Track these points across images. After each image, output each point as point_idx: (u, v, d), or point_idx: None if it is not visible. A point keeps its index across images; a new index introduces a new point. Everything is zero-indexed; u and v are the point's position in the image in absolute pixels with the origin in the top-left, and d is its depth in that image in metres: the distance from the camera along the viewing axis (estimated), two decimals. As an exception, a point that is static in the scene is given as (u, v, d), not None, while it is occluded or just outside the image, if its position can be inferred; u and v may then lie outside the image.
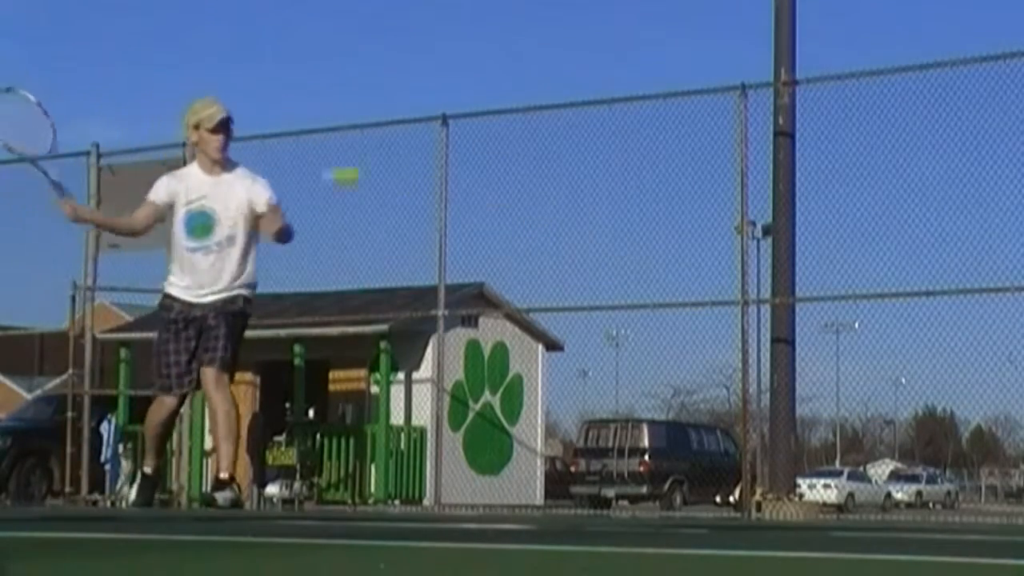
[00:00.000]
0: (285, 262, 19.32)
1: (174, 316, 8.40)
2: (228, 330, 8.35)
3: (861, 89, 17.09)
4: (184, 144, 19.99)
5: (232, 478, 8.36)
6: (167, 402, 8.55)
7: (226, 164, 8.45)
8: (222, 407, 8.33)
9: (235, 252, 8.36)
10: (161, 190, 8.43)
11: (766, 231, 20.94)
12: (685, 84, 32.08)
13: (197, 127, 8.36)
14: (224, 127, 8.38)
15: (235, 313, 8.41)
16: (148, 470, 8.73)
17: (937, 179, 17.14)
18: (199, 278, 8.34)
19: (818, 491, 32.38)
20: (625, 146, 18.60)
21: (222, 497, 8.30)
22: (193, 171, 8.48)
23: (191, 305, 8.35)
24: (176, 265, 8.42)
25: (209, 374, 8.33)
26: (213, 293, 8.36)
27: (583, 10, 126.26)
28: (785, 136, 17.73)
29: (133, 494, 8.85)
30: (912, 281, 16.77)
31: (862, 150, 17.65)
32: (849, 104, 17.22)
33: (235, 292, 8.38)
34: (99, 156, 20.47)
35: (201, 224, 8.31)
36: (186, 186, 8.37)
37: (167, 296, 8.46)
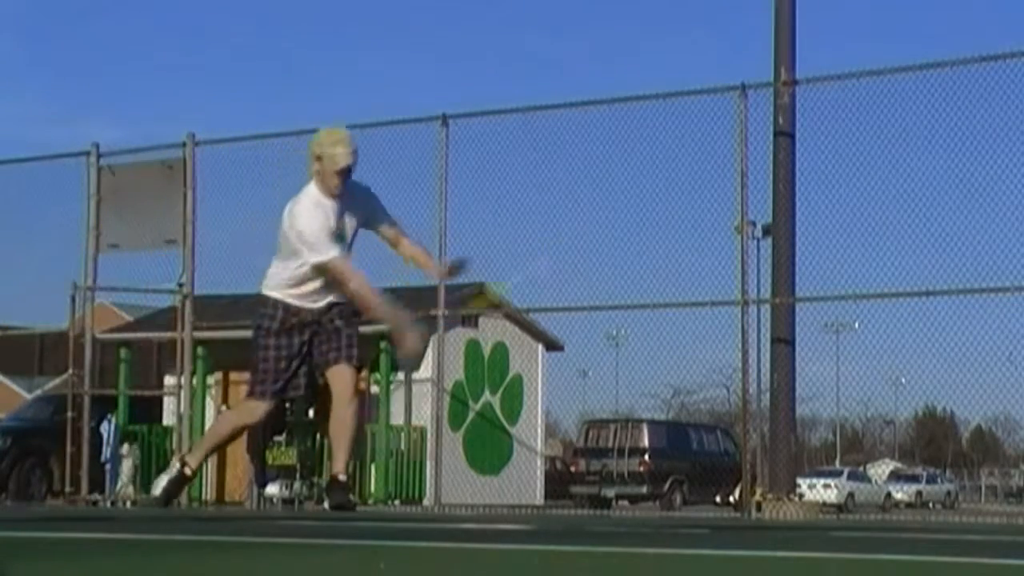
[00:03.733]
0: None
1: (279, 326, 8.23)
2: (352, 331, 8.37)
3: (861, 89, 17.12)
4: (183, 144, 20.19)
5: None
6: (262, 409, 8.32)
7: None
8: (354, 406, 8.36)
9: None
10: (330, 236, 8.17)
11: (766, 231, 20.94)
12: (685, 84, 32.06)
13: (320, 158, 8.19)
14: (346, 173, 8.24)
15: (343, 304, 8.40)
16: (190, 472, 8.34)
17: (937, 179, 17.16)
18: (316, 293, 8.27)
19: (818, 491, 32.37)
20: (625, 146, 18.62)
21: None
22: (320, 198, 8.23)
23: (298, 313, 8.26)
24: (292, 283, 8.24)
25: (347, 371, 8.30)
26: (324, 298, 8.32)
27: (583, 10, 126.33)
28: (785, 136, 17.73)
29: (155, 493, 8.23)
30: (912, 281, 16.79)
31: (862, 150, 17.66)
32: (849, 104, 17.24)
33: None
34: (99, 156, 20.47)
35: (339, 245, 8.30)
36: (327, 214, 8.22)
37: (272, 302, 8.27)
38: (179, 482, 8.29)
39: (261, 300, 8.31)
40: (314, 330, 8.26)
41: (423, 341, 8.24)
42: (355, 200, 8.38)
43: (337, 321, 8.28)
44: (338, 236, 8.25)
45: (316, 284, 8.25)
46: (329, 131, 8.34)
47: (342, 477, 8.20)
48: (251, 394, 8.33)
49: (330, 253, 8.15)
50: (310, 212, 8.20)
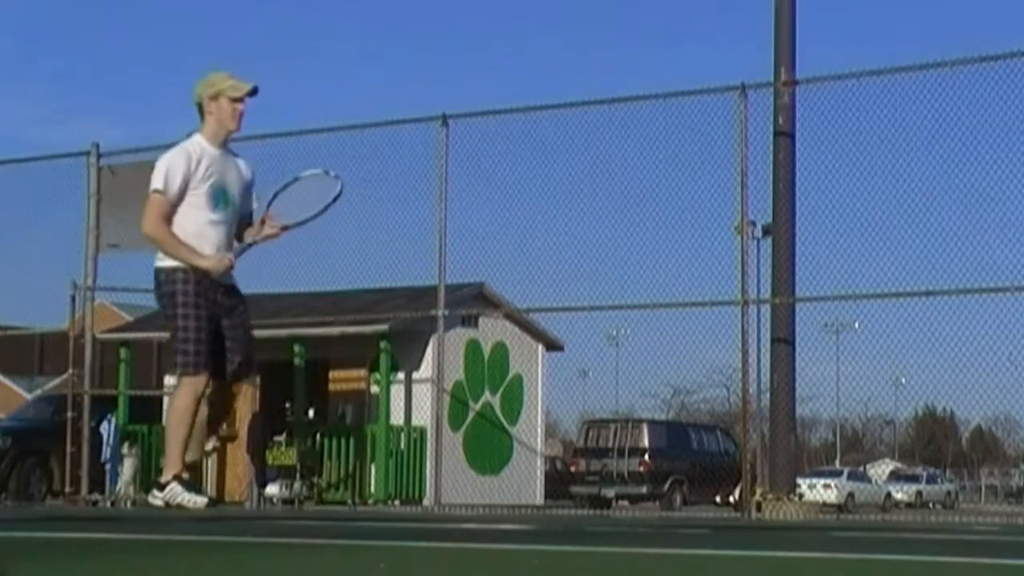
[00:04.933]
0: (284, 262, 19.35)
1: (195, 288, 7.99)
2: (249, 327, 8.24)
3: (861, 89, 17.11)
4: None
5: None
6: (203, 383, 8.02)
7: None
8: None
9: (233, 228, 8.21)
10: (178, 181, 7.99)
11: (766, 231, 20.95)
12: (685, 84, 32.05)
13: (215, 97, 8.11)
14: (249, 96, 8.15)
15: (244, 299, 8.26)
16: (186, 475, 8.10)
17: (937, 179, 17.16)
18: (217, 251, 8.06)
19: (818, 491, 32.35)
20: (625, 146, 18.62)
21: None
22: (202, 145, 8.11)
23: (209, 281, 8.03)
24: (192, 240, 8.02)
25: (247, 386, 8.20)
26: None
27: (583, 10, 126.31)
28: (785, 136, 17.74)
29: (195, 501, 8.02)
30: (912, 281, 16.79)
31: (862, 150, 17.67)
32: (849, 104, 17.24)
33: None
34: (99, 156, 20.47)
35: (223, 198, 8.10)
36: (199, 162, 8.04)
37: (182, 270, 7.99)
38: (191, 485, 8.14)
39: (165, 272, 8.02)
40: (220, 309, 8.06)
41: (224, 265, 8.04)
42: (242, 166, 8.25)
43: (237, 319, 8.14)
44: (220, 192, 8.07)
45: (211, 239, 8.00)
46: (213, 73, 8.21)
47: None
48: (184, 371, 8.03)
49: (157, 184, 7.93)
50: (177, 152, 8.06)
